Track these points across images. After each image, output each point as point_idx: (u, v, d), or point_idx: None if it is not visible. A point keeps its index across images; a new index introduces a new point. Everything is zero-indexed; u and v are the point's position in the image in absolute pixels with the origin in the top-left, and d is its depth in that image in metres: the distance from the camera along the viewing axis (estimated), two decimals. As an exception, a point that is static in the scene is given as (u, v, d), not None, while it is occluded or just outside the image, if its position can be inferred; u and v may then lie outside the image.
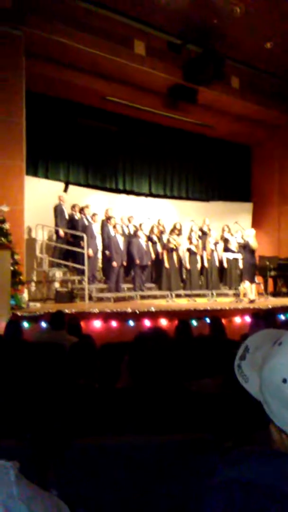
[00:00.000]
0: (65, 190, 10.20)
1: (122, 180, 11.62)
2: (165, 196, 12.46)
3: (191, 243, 10.16)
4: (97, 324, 6.54)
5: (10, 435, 1.66)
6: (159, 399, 1.61)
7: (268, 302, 8.88)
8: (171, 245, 9.64)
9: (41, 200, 9.25)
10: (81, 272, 8.96)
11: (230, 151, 13.26)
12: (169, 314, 7.16)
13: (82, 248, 8.74)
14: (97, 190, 11.12)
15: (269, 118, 12.03)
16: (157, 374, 1.63)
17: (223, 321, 5.18)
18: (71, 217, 9.57)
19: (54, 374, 2.71)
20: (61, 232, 9.24)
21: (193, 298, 9.64)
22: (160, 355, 1.66)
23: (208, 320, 5.94)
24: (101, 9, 8.21)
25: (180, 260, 10.16)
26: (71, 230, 9.37)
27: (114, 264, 8.96)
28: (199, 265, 10.20)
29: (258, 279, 9.98)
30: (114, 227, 9.30)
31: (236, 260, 10.18)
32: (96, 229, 9.50)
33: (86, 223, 9.33)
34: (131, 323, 6.74)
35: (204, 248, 10.40)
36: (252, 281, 8.91)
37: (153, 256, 10.15)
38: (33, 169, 9.86)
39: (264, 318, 5.07)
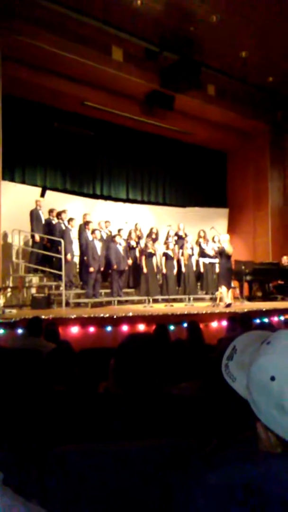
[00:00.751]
0: (42, 195, 10.11)
1: (100, 185, 11.61)
2: (142, 202, 12.52)
3: (167, 248, 10.23)
4: (74, 330, 6.49)
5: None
6: (142, 403, 1.61)
7: (244, 306, 8.99)
8: (150, 250, 9.68)
9: (18, 205, 9.13)
10: (58, 278, 8.88)
11: (206, 158, 13.44)
12: (147, 319, 7.16)
13: (59, 253, 8.67)
14: (74, 196, 11.06)
15: (244, 126, 12.26)
16: (143, 378, 1.64)
17: (200, 325, 5.21)
18: (48, 222, 9.48)
19: (32, 381, 2.68)
20: (37, 237, 9.16)
21: (170, 303, 9.68)
22: (147, 359, 1.66)
23: (185, 324, 5.97)
24: (80, 15, 8.21)
25: (157, 265, 10.22)
26: (48, 235, 9.28)
27: (91, 269, 8.92)
28: (175, 270, 10.28)
29: (233, 283, 10.11)
30: (92, 232, 9.27)
31: (212, 265, 10.29)
32: (74, 234, 9.45)
33: (63, 227, 9.27)
34: (109, 328, 6.71)
35: (181, 253, 10.50)
36: (228, 285, 9.01)
37: (130, 261, 10.17)
38: (10, 174, 9.74)
39: (240, 322, 5.15)
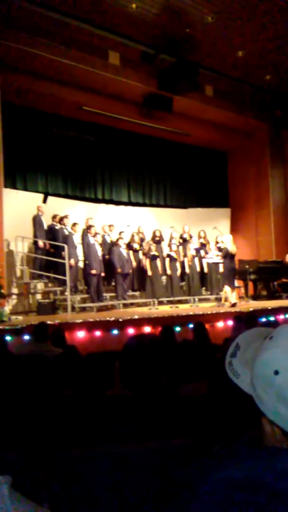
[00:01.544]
0: (44, 201, 10.14)
1: (101, 189, 11.64)
2: (144, 204, 12.53)
3: (171, 250, 10.23)
4: (81, 334, 6.50)
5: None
6: (149, 404, 1.62)
7: (249, 305, 8.98)
8: (153, 252, 9.69)
9: (20, 212, 9.18)
10: (63, 283, 8.89)
11: (206, 158, 13.44)
12: (153, 321, 7.16)
13: (63, 258, 8.69)
14: (76, 200, 11.09)
15: (243, 125, 12.26)
16: (148, 378, 1.64)
17: (206, 326, 5.21)
18: (51, 227, 9.51)
19: (39, 386, 2.69)
20: (40, 243, 9.18)
21: (176, 305, 9.68)
22: (152, 358, 1.67)
23: (191, 325, 5.97)
24: (76, 21, 8.26)
25: (162, 267, 10.23)
26: (51, 241, 9.31)
27: (93, 271, 8.94)
28: (179, 272, 10.28)
29: (238, 282, 10.10)
30: (94, 235, 9.29)
31: (216, 265, 10.28)
32: (77, 239, 9.47)
33: (66, 233, 9.29)
34: (115, 331, 6.72)
35: (185, 254, 10.50)
36: (231, 285, 8.99)
37: (134, 264, 10.18)
38: (11, 181, 9.78)
39: (245, 321, 5.15)
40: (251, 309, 8.01)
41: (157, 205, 12.80)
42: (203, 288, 11.08)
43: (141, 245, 10.45)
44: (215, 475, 0.76)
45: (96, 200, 11.56)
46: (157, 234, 10.83)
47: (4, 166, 8.08)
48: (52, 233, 9.45)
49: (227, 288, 9.01)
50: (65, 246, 8.76)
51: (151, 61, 9.58)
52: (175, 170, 12.93)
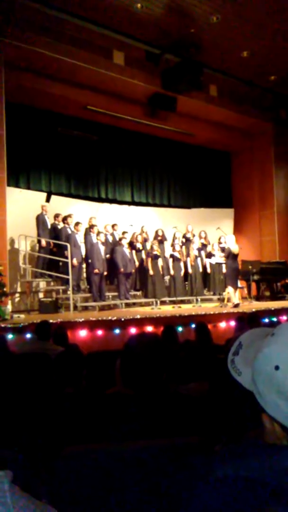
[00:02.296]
0: (48, 200, 10.16)
1: (105, 189, 11.65)
2: (147, 204, 12.53)
3: (174, 250, 10.23)
4: (83, 333, 6.51)
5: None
6: (150, 403, 1.62)
7: (252, 306, 8.96)
8: (155, 252, 9.69)
9: (24, 210, 9.20)
10: (65, 282, 8.91)
11: (210, 158, 13.43)
12: (155, 320, 7.16)
13: (66, 257, 8.70)
14: (79, 200, 11.11)
15: (248, 126, 12.24)
16: (148, 377, 1.64)
17: (209, 326, 5.21)
18: (54, 226, 9.53)
19: (41, 384, 2.69)
20: (43, 242, 9.20)
21: (178, 305, 9.68)
22: (152, 357, 1.67)
23: (193, 325, 5.97)
24: (80, 20, 8.27)
25: (164, 266, 10.24)
26: (54, 240, 9.33)
27: (96, 270, 8.95)
28: (182, 272, 10.27)
29: (241, 283, 10.08)
30: (98, 234, 9.30)
31: (219, 265, 10.27)
32: (80, 238, 9.49)
33: (69, 232, 9.30)
34: (117, 331, 6.73)
35: (187, 254, 10.50)
36: (234, 285, 8.98)
37: (137, 263, 10.19)
38: (15, 180, 9.81)
39: (248, 322, 5.14)
40: (253, 310, 8.00)
41: (161, 205, 12.80)
42: (206, 288, 11.07)
43: (143, 245, 10.46)
44: (215, 474, 0.76)
45: (99, 200, 11.57)
46: (160, 233, 10.84)
47: (8, 165, 8.10)
48: (55, 232, 9.47)
49: (230, 289, 8.99)
50: (68, 245, 8.77)
51: (156, 61, 9.57)
52: (178, 170, 12.93)
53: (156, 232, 10.88)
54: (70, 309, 8.36)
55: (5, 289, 7.28)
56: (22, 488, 0.84)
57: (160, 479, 1.39)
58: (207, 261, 10.74)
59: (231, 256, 8.93)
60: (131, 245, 10.26)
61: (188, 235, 11.09)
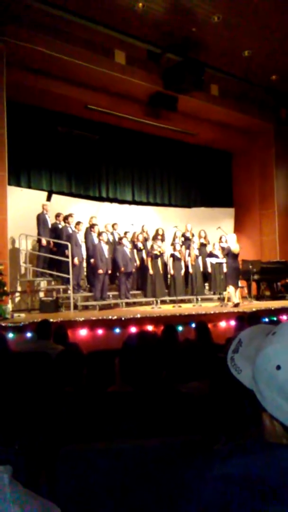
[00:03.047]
0: (48, 199, 10.17)
1: (105, 188, 11.64)
2: (148, 203, 12.53)
3: (174, 249, 10.23)
4: (83, 332, 6.51)
5: (-1, 444, 1.64)
6: (150, 401, 1.62)
7: (252, 306, 8.96)
8: (156, 252, 9.68)
9: (24, 209, 9.20)
10: (66, 281, 8.91)
11: (211, 158, 13.42)
12: (155, 320, 7.17)
13: (67, 257, 8.70)
14: (80, 199, 11.11)
15: (249, 125, 12.23)
16: (147, 374, 1.65)
17: (209, 325, 5.21)
18: (55, 226, 9.53)
19: (41, 383, 2.70)
20: (44, 241, 9.19)
21: (178, 304, 9.68)
22: (151, 355, 1.67)
23: (193, 325, 5.97)
24: (82, 19, 8.26)
25: (164, 266, 10.23)
26: (55, 239, 9.33)
27: (100, 271, 8.94)
28: (183, 271, 10.27)
29: (241, 283, 10.08)
30: (99, 235, 9.30)
31: (220, 265, 10.27)
32: (81, 237, 9.49)
33: (70, 231, 9.30)
34: (117, 330, 6.73)
35: (188, 254, 10.50)
36: (235, 285, 8.98)
37: (137, 263, 10.19)
38: (16, 179, 9.81)
39: (248, 321, 5.14)
40: (254, 309, 8.01)
41: (161, 204, 12.79)
42: (206, 287, 11.07)
43: (144, 244, 10.46)
44: (215, 472, 0.76)
45: (100, 199, 11.57)
46: (160, 232, 10.83)
47: (9, 164, 8.10)
48: (55, 231, 9.47)
49: (230, 288, 8.99)
50: (69, 244, 8.78)
51: (157, 60, 9.57)
52: (179, 169, 12.93)
53: (156, 231, 10.87)
54: (70, 308, 8.37)
55: (5, 288, 7.28)
56: (23, 484, 0.84)
57: (160, 477, 1.40)
58: (208, 261, 10.74)
59: (231, 256, 8.93)
60: (132, 244, 10.26)
61: (188, 234, 11.08)
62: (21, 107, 9.45)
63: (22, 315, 7.64)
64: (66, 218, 9.54)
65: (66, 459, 1.42)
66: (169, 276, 10.26)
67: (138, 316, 7.28)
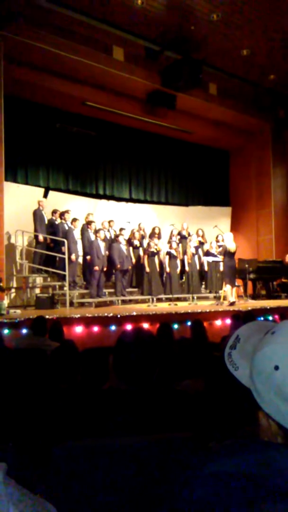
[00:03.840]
0: (45, 195, 10.14)
1: (103, 185, 11.63)
2: (145, 201, 12.53)
3: (171, 247, 10.24)
4: (79, 329, 6.51)
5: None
6: (146, 398, 1.63)
7: (248, 305, 8.98)
8: (152, 249, 9.68)
9: (21, 205, 9.18)
10: (62, 278, 8.90)
11: (209, 156, 13.43)
12: (151, 317, 7.18)
13: (63, 253, 8.69)
14: (77, 196, 11.09)
15: (247, 124, 12.25)
16: (143, 372, 1.65)
17: (204, 323, 5.22)
18: (51, 222, 9.51)
19: (36, 379, 2.70)
20: (40, 237, 9.18)
21: (174, 302, 9.69)
22: (145, 354, 1.67)
23: (189, 323, 5.98)
24: (81, 16, 8.24)
25: (161, 264, 10.24)
26: (52, 236, 9.31)
27: (96, 268, 8.94)
28: (179, 269, 10.28)
29: (237, 281, 10.10)
30: (95, 232, 9.29)
31: (216, 263, 10.29)
32: (77, 234, 9.47)
33: (67, 228, 9.29)
34: (113, 327, 6.73)
35: (184, 252, 10.51)
36: (232, 283, 9.00)
37: (134, 260, 10.19)
38: (13, 175, 9.78)
39: (243, 320, 5.16)
40: (249, 308, 8.02)
41: (158, 202, 12.80)
42: (203, 286, 11.09)
43: (141, 242, 10.46)
44: (208, 468, 0.75)
45: (97, 196, 11.56)
46: (156, 230, 10.84)
47: (6, 159, 8.07)
48: (52, 227, 9.45)
49: (227, 287, 9.02)
50: (65, 241, 8.76)
51: (156, 57, 9.55)
52: (177, 167, 12.93)
53: (153, 229, 10.88)
54: (66, 305, 8.36)
55: (1, 284, 7.27)
56: (17, 481, 0.84)
57: (154, 474, 1.40)
58: (204, 259, 10.76)
59: (227, 254, 8.94)
60: (129, 242, 10.26)
61: (183, 233, 11.10)
62: (19, 102, 9.41)
63: (18, 311, 7.62)
64: (62, 215, 9.53)
65: (61, 456, 1.42)
66: (164, 274, 10.27)
67: (134, 313, 7.28)
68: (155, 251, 9.74)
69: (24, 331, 5.99)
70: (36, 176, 10.41)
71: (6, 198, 8.04)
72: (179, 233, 11.05)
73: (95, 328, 6.67)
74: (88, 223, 9.57)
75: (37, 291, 9.35)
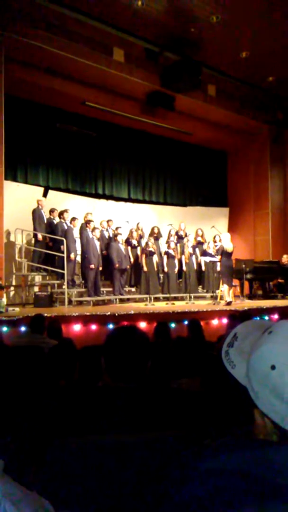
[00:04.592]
0: (45, 195, 10.16)
1: (102, 185, 11.65)
2: (144, 201, 12.56)
3: (169, 247, 10.27)
4: (77, 327, 6.55)
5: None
6: (143, 396, 1.66)
7: (244, 304, 9.03)
8: (150, 249, 9.72)
9: (21, 204, 9.20)
10: (61, 276, 8.93)
11: (207, 157, 13.47)
12: (148, 316, 7.22)
13: (62, 252, 8.72)
14: (76, 195, 11.12)
15: (245, 126, 12.28)
16: (135, 370, 1.68)
17: (201, 323, 5.26)
18: (50, 221, 9.53)
19: (34, 377, 2.73)
20: (40, 236, 9.20)
21: (172, 301, 9.73)
22: (132, 350, 1.70)
23: (186, 322, 6.02)
24: (82, 16, 8.26)
25: (159, 263, 10.28)
26: (51, 235, 9.33)
27: (92, 266, 8.98)
28: (176, 269, 10.32)
29: (234, 281, 10.15)
30: (93, 230, 9.32)
31: (213, 263, 10.33)
32: (76, 233, 9.50)
33: (65, 227, 9.31)
34: (111, 326, 6.77)
35: (182, 252, 10.55)
36: (229, 283, 9.04)
37: (132, 260, 10.23)
38: (12, 174, 9.80)
39: (240, 320, 5.20)
40: (246, 308, 8.07)
41: (157, 202, 12.83)
42: (200, 286, 11.13)
43: (139, 242, 10.49)
44: (204, 466, 0.76)
45: (96, 195, 11.58)
46: (155, 230, 10.87)
47: (6, 159, 8.10)
48: (51, 227, 9.47)
49: (224, 287, 9.06)
50: (64, 240, 8.79)
51: (155, 58, 9.58)
52: (175, 168, 12.96)
53: (152, 229, 10.91)
54: (64, 304, 8.40)
55: (0, 282, 7.30)
56: (14, 479, 0.84)
57: (150, 471, 1.43)
58: (202, 259, 10.80)
59: (225, 254, 8.99)
60: (127, 241, 10.30)
61: (181, 233, 11.14)
62: (19, 102, 9.43)
63: (17, 309, 7.65)
64: (61, 214, 9.56)
65: (58, 453, 1.44)
66: (161, 274, 10.30)
67: (132, 312, 7.32)
68: (153, 250, 9.78)
69: (23, 328, 6.03)
70: (36, 175, 10.43)
71: (6, 197, 8.08)
72: (176, 233, 11.08)
73: (93, 327, 6.71)
74: (87, 222, 9.59)
75: (36, 289, 9.38)
